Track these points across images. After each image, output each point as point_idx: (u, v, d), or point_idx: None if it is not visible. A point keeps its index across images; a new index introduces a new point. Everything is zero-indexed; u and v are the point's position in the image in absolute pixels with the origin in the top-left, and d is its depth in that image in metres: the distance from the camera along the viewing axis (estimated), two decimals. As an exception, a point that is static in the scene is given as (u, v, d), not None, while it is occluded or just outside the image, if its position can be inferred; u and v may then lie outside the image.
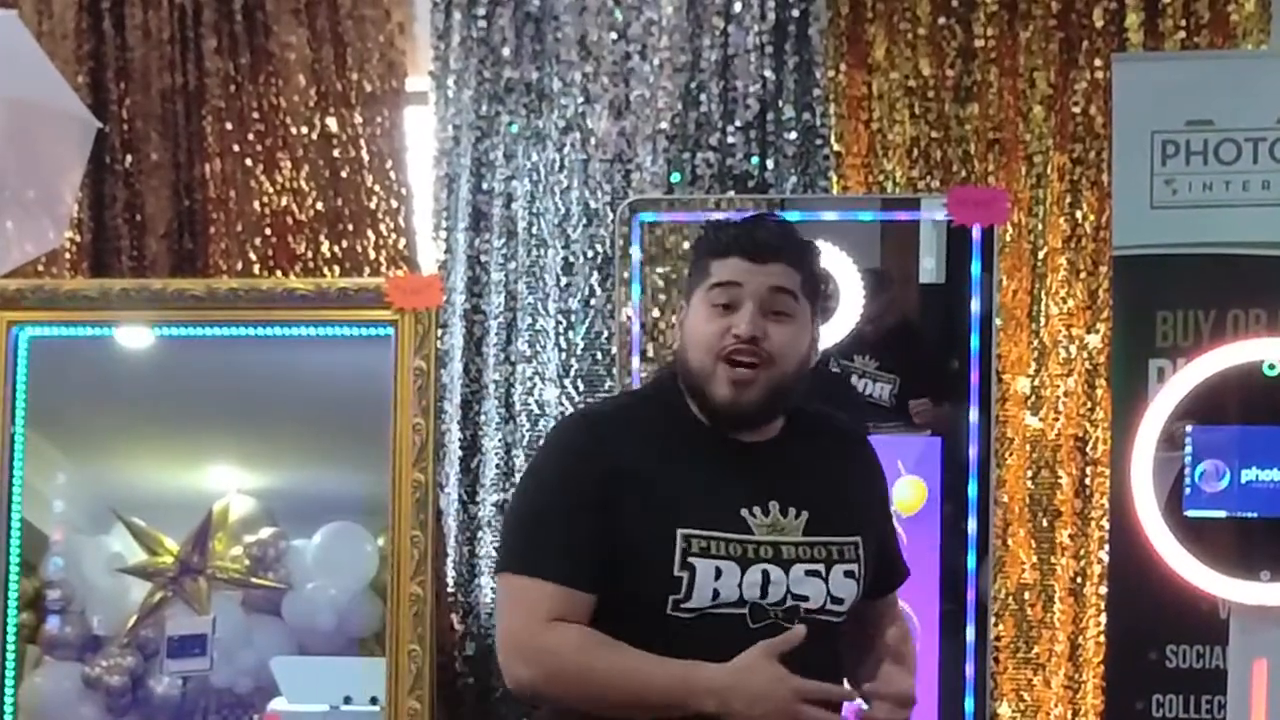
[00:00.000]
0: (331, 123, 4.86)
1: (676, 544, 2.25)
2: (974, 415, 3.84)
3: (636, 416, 2.39)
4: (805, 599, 2.28)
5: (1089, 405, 4.61)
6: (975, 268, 3.88)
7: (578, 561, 2.26)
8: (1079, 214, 4.63)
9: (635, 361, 4.11)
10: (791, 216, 4.12)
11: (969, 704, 3.85)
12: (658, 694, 2.21)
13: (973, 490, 3.83)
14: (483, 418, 4.73)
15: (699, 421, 2.34)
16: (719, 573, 2.25)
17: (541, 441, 2.78)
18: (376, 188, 4.86)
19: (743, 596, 2.26)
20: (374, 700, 4.08)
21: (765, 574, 2.27)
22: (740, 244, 2.32)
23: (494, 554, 4.47)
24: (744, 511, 2.29)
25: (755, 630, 2.25)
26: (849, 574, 2.32)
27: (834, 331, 3.90)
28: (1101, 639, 4.38)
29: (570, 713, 2.27)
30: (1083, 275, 4.62)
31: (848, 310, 3.90)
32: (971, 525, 3.83)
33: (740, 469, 2.33)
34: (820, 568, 2.30)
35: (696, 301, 2.34)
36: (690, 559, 2.25)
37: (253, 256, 4.86)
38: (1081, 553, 4.59)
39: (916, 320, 4.22)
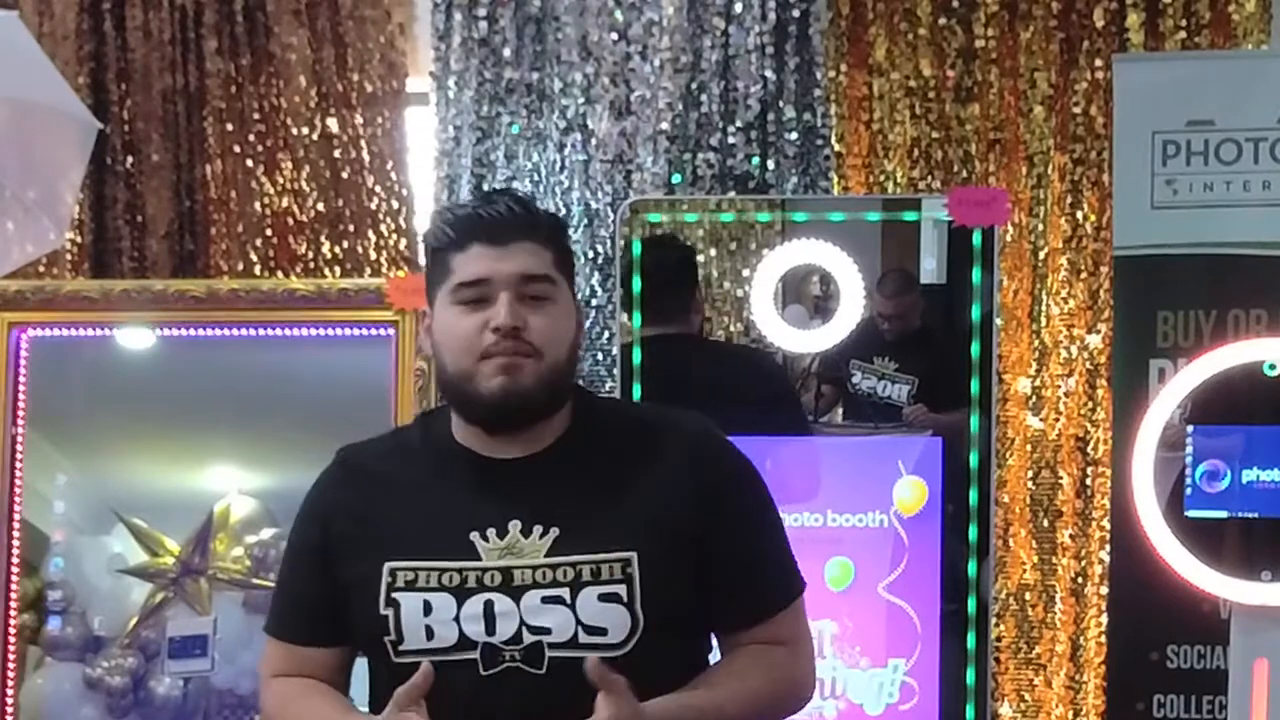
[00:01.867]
0: (332, 123, 4.87)
1: (383, 580, 2.02)
2: (975, 416, 3.84)
3: (382, 451, 2.21)
4: (547, 631, 1.97)
5: (1090, 405, 4.61)
6: (976, 268, 3.87)
7: (296, 617, 2.17)
8: (1080, 214, 4.63)
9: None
10: (792, 217, 4.13)
11: (970, 704, 3.84)
12: None
13: (973, 491, 3.82)
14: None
15: (454, 445, 2.11)
16: (428, 607, 1.99)
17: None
18: (377, 188, 4.87)
19: (464, 634, 1.98)
20: (375, 701, 4.08)
21: (489, 604, 1.97)
22: (478, 229, 2.06)
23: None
24: (474, 535, 2.01)
25: (490, 677, 1.98)
26: (609, 597, 1.97)
27: (835, 332, 3.90)
28: (1102, 639, 4.38)
29: None
30: (1083, 275, 4.62)
31: (850, 311, 3.89)
32: (972, 526, 3.82)
33: (484, 489, 2.06)
34: (563, 592, 1.97)
35: (442, 304, 2.09)
36: (395, 594, 2.01)
37: (253, 257, 4.86)
38: (1082, 553, 4.59)
39: (934, 322, 4.22)
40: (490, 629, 1.98)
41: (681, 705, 2.00)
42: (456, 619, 1.99)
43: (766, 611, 2.11)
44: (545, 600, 1.98)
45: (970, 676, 3.82)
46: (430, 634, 2.01)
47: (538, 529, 2.01)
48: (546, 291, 2.07)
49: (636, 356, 3.87)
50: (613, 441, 2.10)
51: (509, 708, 1.98)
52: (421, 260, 4.85)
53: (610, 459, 2.08)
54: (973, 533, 3.80)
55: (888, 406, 4.01)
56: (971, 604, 3.81)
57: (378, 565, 2.04)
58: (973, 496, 3.80)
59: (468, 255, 2.06)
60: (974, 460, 3.80)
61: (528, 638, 1.98)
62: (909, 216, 4.08)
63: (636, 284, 3.90)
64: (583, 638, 1.98)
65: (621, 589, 1.98)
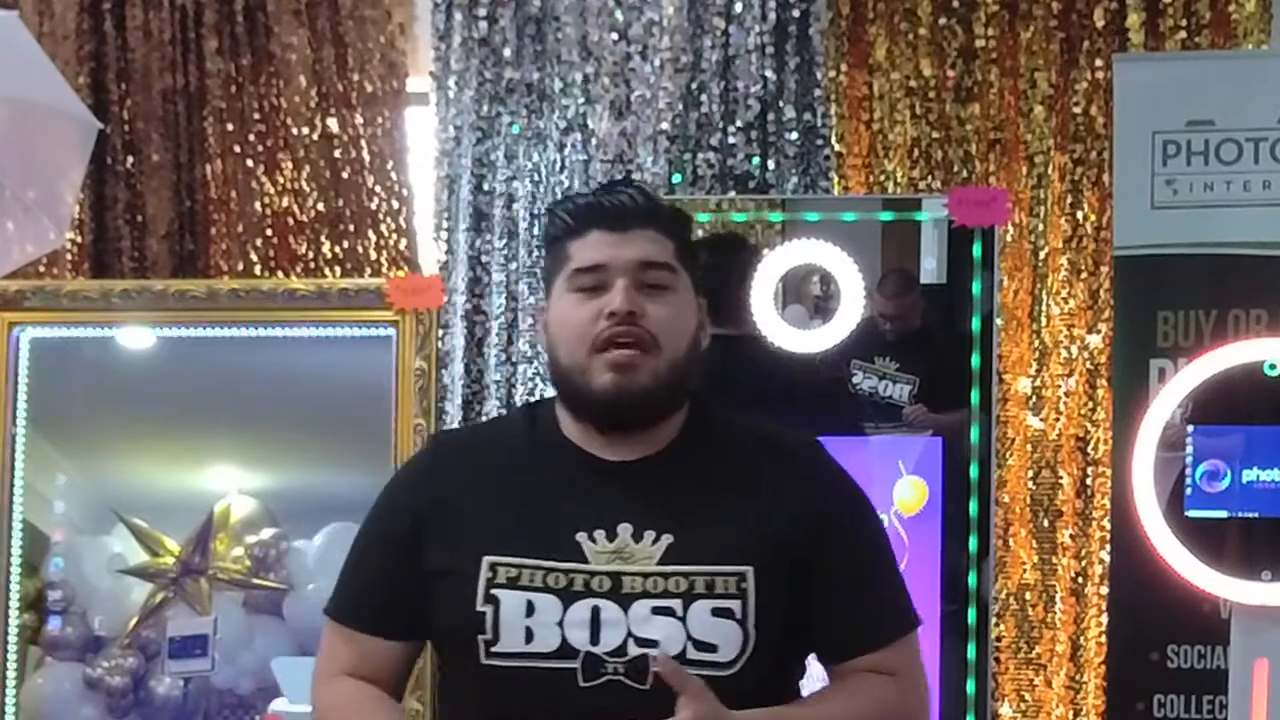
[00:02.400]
0: (332, 123, 4.87)
1: (481, 574, 1.89)
2: (975, 415, 3.83)
3: (481, 441, 2.13)
4: (654, 644, 1.85)
5: (1090, 405, 4.61)
6: (976, 268, 3.87)
7: (369, 607, 2.03)
8: (1080, 214, 4.63)
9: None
10: (792, 217, 4.13)
11: (970, 715, 3.84)
12: None
13: (974, 491, 3.82)
14: (484, 418, 4.73)
15: (563, 441, 1.99)
16: (531, 608, 1.87)
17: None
18: (377, 188, 4.86)
19: (566, 641, 1.86)
20: (375, 701, 4.07)
21: (595, 611, 1.85)
22: (598, 216, 1.99)
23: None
24: (580, 535, 1.89)
25: (587, 690, 1.85)
26: (721, 612, 1.86)
27: (835, 333, 3.90)
28: (1103, 639, 4.38)
29: None
30: (1084, 275, 4.62)
31: (850, 311, 3.89)
32: (972, 536, 3.82)
33: (594, 489, 1.94)
34: (674, 604, 1.86)
35: (559, 292, 2.00)
36: (495, 590, 1.88)
37: (254, 257, 4.86)
38: (1083, 553, 4.59)
39: (935, 323, 4.22)
40: (595, 638, 1.86)
41: (774, 715, 1.90)
42: (560, 623, 1.87)
43: (875, 642, 2.00)
44: (655, 611, 1.86)
45: (970, 686, 3.81)
46: (530, 636, 1.88)
47: (650, 534, 1.89)
48: (666, 280, 1.97)
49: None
50: (729, 451, 2.00)
51: (600, 716, 1.86)
52: (422, 261, 4.90)
53: (726, 469, 1.97)
54: (972, 543, 3.80)
55: (888, 406, 4.01)
56: (971, 614, 3.81)
57: (475, 558, 1.90)
58: (973, 507, 3.80)
59: (586, 241, 1.98)
60: (974, 470, 3.79)
61: (633, 649, 1.86)
62: (909, 216, 4.08)
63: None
64: (691, 653, 1.86)
65: (736, 604, 1.87)
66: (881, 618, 2.01)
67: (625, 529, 1.89)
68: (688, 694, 1.82)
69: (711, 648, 1.86)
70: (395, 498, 2.07)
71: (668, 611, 1.85)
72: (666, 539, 1.88)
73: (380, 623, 2.01)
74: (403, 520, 2.00)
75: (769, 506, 1.94)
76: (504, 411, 4.66)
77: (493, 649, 1.88)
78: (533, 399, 4.48)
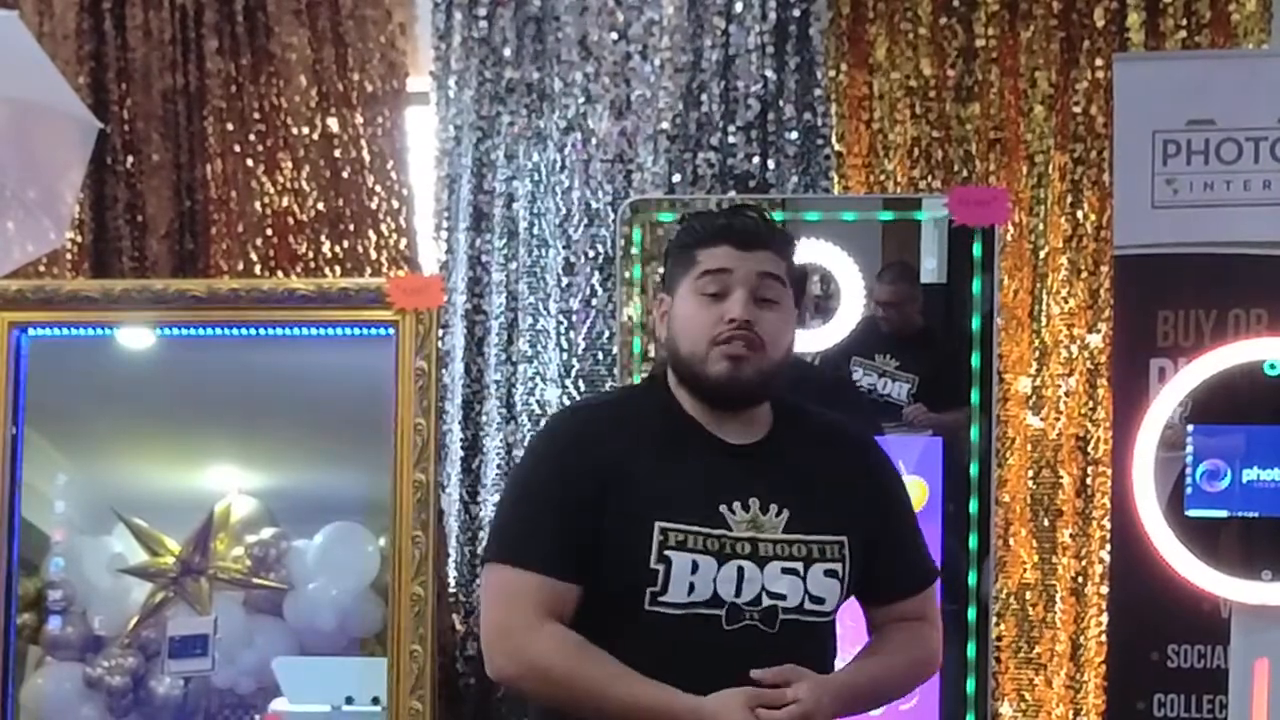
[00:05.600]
0: (333, 123, 4.87)
1: (654, 537, 2.25)
2: (975, 415, 3.84)
3: (624, 414, 2.41)
4: (783, 598, 2.28)
5: (1090, 405, 4.61)
6: (976, 268, 3.87)
7: (563, 553, 2.27)
8: (1080, 214, 4.63)
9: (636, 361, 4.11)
10: (792, 216, 4.13)
11: (970, 704, 3.84)
12: (644, 712, 2.21)
13: (974, 490, 3.82)
14: (484, 418, 4.73)
15: (687, 418, 2.36)
16: (695, 566, 2.25)
17: (532, 435, 2.86)
18: (377, 188, 4.86)
19: (717, 594, 2.26)
20: (375, 700, 4.08)
21: (740, 570, 2.26)
22: (729, 232, 2.34)
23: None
24: (723, 508, 2.28)
25: (730, 632, 2.25)
26: (830, 573, 2.31)
27: (835, 332, 3.90)
28: (1103, 639, 4.38)
29: (553, 712, 2.30)
30: (1084, 275, 4.62)
31: (850, 310, 3.89)
32: (972, 535, 3.82)
33: (723, 466, 2.32)
34: (798, 566, 2.29)
35: (685, 291, 2.35)
36: (667, 552, 2.25)
37: (254, 257, 4.86)
38: (1083, 552, 4.59)
39: (935, 322, 4.22)
40: (738, 591, 2.25)
41: (857, 671, 2.37)
42: (714, 579, 2.25)
43: (914, 587, 2.45)
44: (784, 571, 2.28)
45: (970, 685, 3.81)
46: (691, 589, 2.24)
47: (773, 508, 2.29)
48: (777, 294, 2.34)
49: (636, 346, 3.86)
50: (812, 439, 2.40)
51: (744, 656, 2.23)
52: (422, 260, 4.91)
53: (813, 454, 2.37)
54: (973, 542, 3.80)
55: (887, 405, 4.01)
56: (971, 613, 3.82)
57: (648, 522, 2.25)
58: (973, 506, 3.80)
59: (715, 251, 2.33)
60: (974, 470, 3.79)
61: (765, 601, 2.26)
62: (909, 216, 4.08)
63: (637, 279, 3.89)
64: (807, 604, 2.28)
65: (838, 566, 2.31)
66: (914, 570, 2.46)
67: (754, 502, 2.29)
68: (797, 677, 2.23)
69: (821, 600, 2.30)
70: (569, 457, 2.33)
71: (793, 572, 2.28)
72: (786, 513, 2.30)
73: (571, 567, 2.28)
74: (585, 479, 2.29)
75: (848, 485, 2.37)
76: (505, 411, 4.68)
77: (660, 599, 2.25)
78: (584, 387, 4.59)
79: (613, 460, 2.30)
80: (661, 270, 2.63)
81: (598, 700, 2.23)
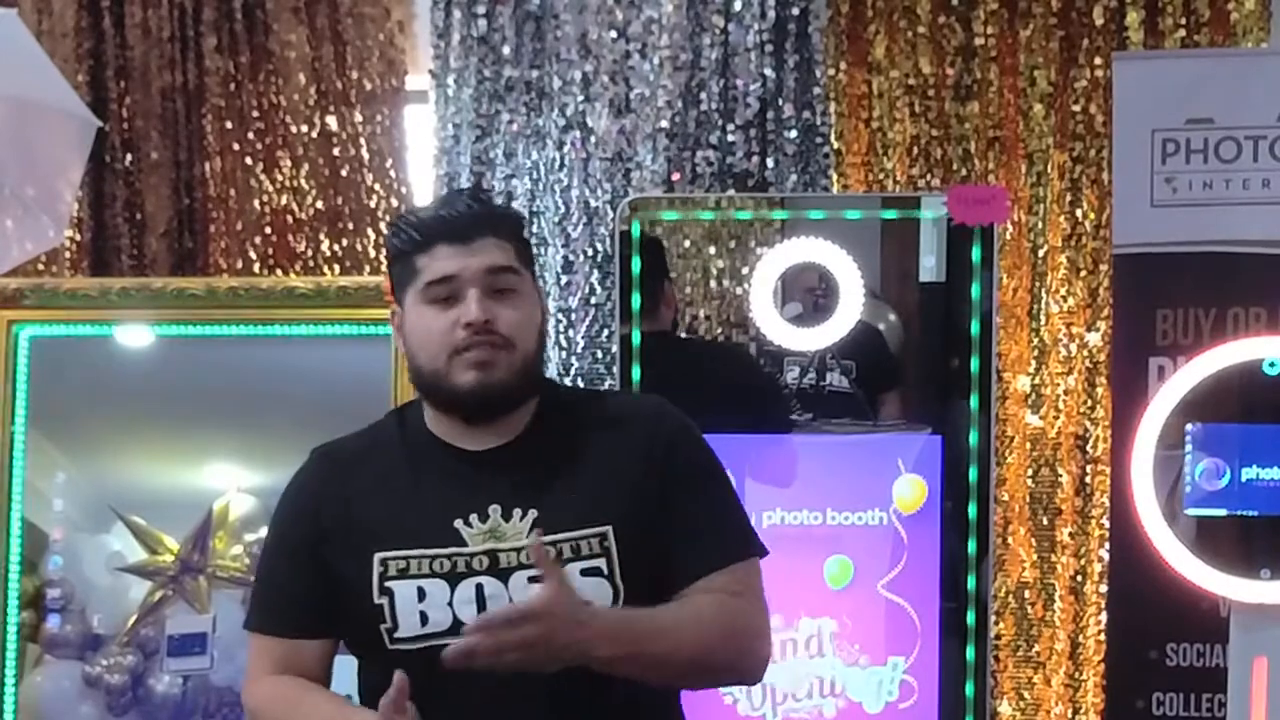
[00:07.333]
0: (331, 121, 4.86)
1: (374, 570, 2.10)
2: (974, 414, 3.83)
3: (361, 447, 2.28)
4: None
5: (1089, 403, 4.61)
6: (975, 267, 3.87)
7: (289, 611, 2.20)
8: (1079, 212, 4.63)
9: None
10: (793, 215, 4.13)
11: (969, 703, 3.84)
12: None
13: (973, 489, 3.82)
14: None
15: (427, 435, 2.21)
16: (422, 593, 2.08)
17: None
18: (376, 186, 4.86)
19: (457, 619, 2.06)
20: (374, 699, 4.08)
21: (479, 588, 2.07)
22: (444, 229, 2.15)
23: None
24: (458, 523, 2.10)
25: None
26: (591, 571, 2.08)
27: (834, 330, 3.90)
28: (1102, 637, 4.38)
29: None
30: (1083, 273, 4.62)
31: (849, 309, 3.89)
32: (971, 524, 3.82)
33: (462, 478, 2.15)
34: None
35: (412, 304, 2.18)
36: (388, 583, 2.10)
37: (253, 255, 4.86)
38: (1082, 551, 4.60)
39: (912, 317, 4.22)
40: (482, 611, 2.06)
41: (625, 613, 2.09)
42: (450, 604, 2.08)
43: (720, 561, 2.16)
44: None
45: (969, 685, 3.81)
46: (425, 619, 2.09)
47: (517, 511, 2.10)
48: (512, 283, 2.17)
49: (636, 339, 3.85)
50: (579, 425, 2.20)
51: (503, 683, 2.01)
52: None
53: (578, 442, 2.17)
54: (971, 541, 3.80)
55: (834, 395, 4.00)
56: (970, 612, 3.81)
57: (368, 556, 2.11)
58: (972, 505, 3.80)
59: (434, 255, 2.15)
60: (973, 469, 3.79)
61: None
62: (908, 215, 4.08)
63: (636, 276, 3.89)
64: None
65: (601, 563, 2.09)
66: (724, 541, 2.18)
67: (495, 510, 2.10)
68: (550, 579, 1.98)
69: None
70: (295, 507, 2.24)
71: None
72: (532, 514, 2.10)
73: (303, 626, 2.20)
74: (306, 528, 2.19)
75: (620, 467, 2.15)
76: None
77: (394, 635, 2.11)
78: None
79: (339, 501, 2.17)
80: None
81: None
